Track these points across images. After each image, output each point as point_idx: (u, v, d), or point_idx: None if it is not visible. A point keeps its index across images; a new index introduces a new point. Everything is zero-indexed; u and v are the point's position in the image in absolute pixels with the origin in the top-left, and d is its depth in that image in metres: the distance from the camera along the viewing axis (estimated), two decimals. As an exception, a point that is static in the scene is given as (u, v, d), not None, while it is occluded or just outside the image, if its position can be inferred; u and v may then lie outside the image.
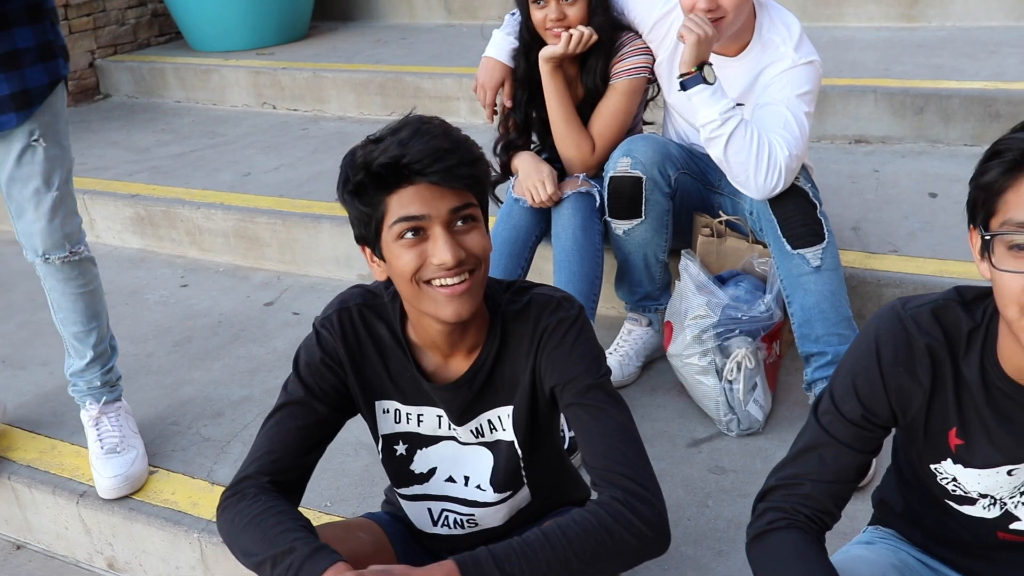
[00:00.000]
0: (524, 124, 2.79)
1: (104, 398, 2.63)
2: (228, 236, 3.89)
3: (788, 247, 2.43)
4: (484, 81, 2.78)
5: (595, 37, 2.59)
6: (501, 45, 2.76)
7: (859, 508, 1.94)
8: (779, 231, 2.44)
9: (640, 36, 2.68)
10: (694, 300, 2.53)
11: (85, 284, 2.53)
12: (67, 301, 2.53)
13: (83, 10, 5.84)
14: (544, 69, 2.62)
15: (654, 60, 2.68)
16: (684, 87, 2.36)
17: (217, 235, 3.92)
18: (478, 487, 1.70)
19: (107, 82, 5.99)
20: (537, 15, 2.60)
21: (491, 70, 2.76)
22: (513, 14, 2.79)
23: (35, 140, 2.35)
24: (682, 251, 2.69)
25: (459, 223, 1.46)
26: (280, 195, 3.96)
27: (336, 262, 3.69)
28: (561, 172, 2.77)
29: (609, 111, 2.67)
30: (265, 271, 3.82)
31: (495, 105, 2.79)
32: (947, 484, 1.44)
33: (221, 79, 5.40)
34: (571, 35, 2.54)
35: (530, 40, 2.66)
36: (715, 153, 2.42)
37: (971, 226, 1.28)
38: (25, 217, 2.41)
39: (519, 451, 1.66)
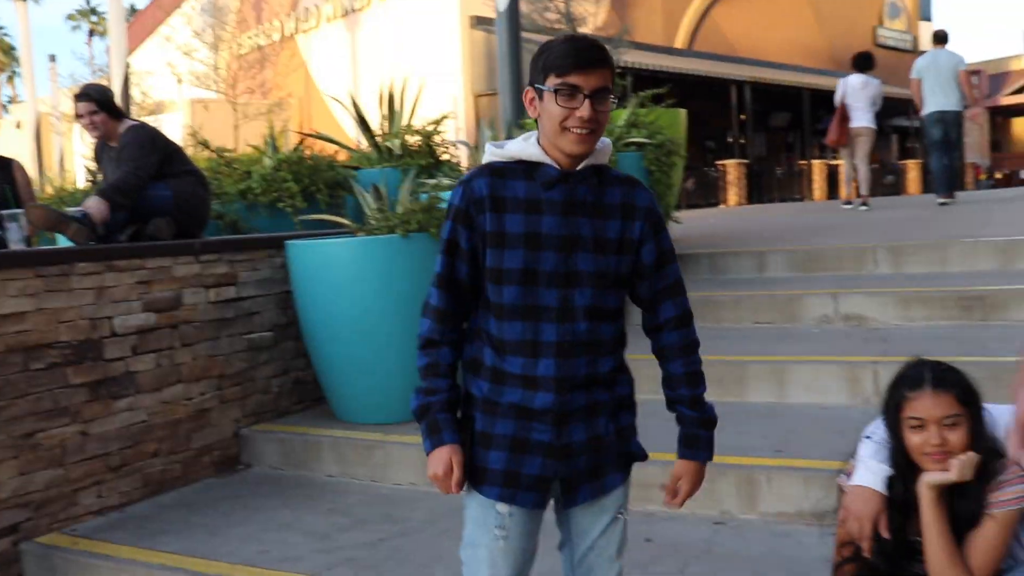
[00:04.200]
0: (895, 552, 2.60)
1: None
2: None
3: None
4: (860, 511, 2.57)
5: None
6: (874, 472, 2.59)
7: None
8: None
9: (1018, 463, 2.48)
10: None
11: None
12: None
13: (235, 379, 5.39)
14: (927, 496, 2.48)
15: None
16: None
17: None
18: None
19: (250, 452, 5.37)
20: (915, 439, 2.48)
21: (868, 500, 2.57)
22: None
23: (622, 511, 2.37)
24: None
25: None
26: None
27: None
28: None
29: (990, 543, 2.47)
30: None
31: (872, 539, 2.58)
32: None
33: (386, 455, 4.89)
34: (963, 461, 2.43)
35: (905, 465, 2.54)
36: None
37: None
38: None
39: None
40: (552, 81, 2.10)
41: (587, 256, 2.17)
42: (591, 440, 2.24)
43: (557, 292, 2.16)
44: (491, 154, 2.25)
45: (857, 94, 11.65)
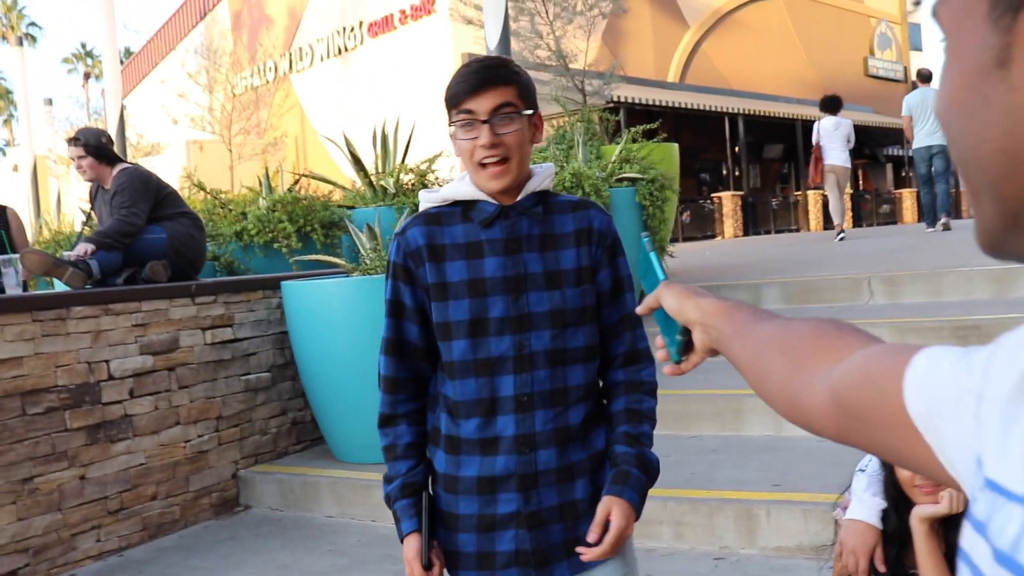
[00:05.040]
0: None
1: None
2: None
3: None
4: (856, 547, 2.54)
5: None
6: (868, 505, 2.55)
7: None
8: None
9: None
10: None
11: None
12: None
13: (233, 421, 5.41)
14: (920, 529, 2.44)
15: None
16: None
17: None
18: None
19: (249, 493, 5.40)
20: (905, 472, 2.42)
21: (862, 534, 2.54)
22: None
23: None
24: None
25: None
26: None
27: None
28: None
29: None
30: None
31: (868, 573, 2.53)
32: None
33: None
34: (953, 493, 2.37)
35: (897, 497, 2.52)
36: None
37: None
38: None
39: None
40: (452, 115, 1.91)
41: (540, 295, 1.94)
42: (564, 507, 1.97)
43: (511, 339, 1.93)
44: (424, 200, 2.04)
45: (831, 135, 12.29)
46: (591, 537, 1.89)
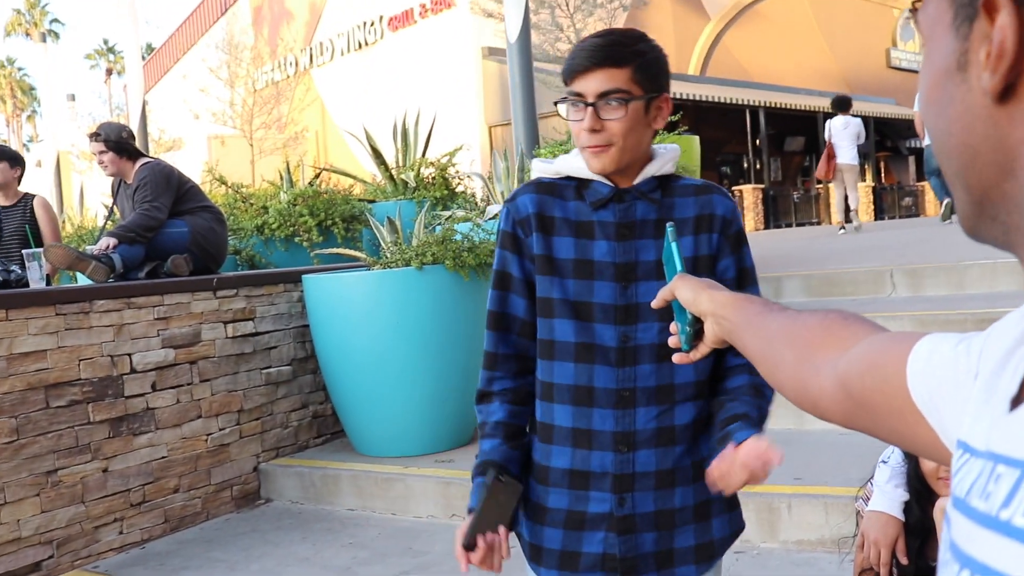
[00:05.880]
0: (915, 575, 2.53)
1: None
2: None
3: None
4: (878, 538, 2.51)
5: None
6: (890, 497, 2.54)
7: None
8: None
9: None
10: None
11: None
12: None
13: (254, 414, 5.43)
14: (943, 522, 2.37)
15: None
16: None
17: None
18: None
19: (270, 486, 5.43)
20: (929, 464, 2.40)
21: (885, 526, 2.52)
22: None
23: None
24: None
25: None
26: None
27: None
28: None
29: None
30: None
31: (891, 564, 2.51)
32: None
33: (405, 488, 4.87)
34: None
35: (920, 489, 2.48)
36: None
37: None
38: None
39: None
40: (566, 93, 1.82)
41: (651, 285, 1.78)
42: (661, 515, 1.83)
43: (614, 329, 1.81)
44: (539, 170, 1.93)
45: (840, 134, 12.81)
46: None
